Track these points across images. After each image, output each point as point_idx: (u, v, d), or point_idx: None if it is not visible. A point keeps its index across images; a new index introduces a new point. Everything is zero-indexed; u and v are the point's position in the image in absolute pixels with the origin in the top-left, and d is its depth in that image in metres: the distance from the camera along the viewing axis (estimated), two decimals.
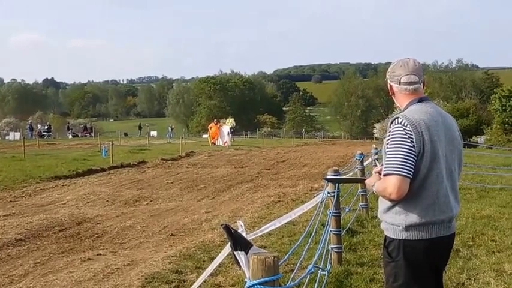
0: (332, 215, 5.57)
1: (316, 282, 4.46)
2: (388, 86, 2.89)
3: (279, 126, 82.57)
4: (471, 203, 9.43)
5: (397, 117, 2.67)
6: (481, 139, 48.32)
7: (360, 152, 9.08)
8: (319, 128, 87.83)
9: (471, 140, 45.22)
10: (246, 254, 2.24)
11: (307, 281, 4.37)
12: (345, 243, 6.28)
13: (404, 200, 2.62)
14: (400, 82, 2.79)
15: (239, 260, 2.29)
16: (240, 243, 2.28)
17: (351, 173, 9.10)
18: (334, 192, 5.51)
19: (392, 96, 2.93)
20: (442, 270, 2.90)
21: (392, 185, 2.56)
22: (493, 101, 51.67)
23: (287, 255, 3.75)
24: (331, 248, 5.57)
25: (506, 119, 46.37)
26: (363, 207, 8.25)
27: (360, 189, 8.43)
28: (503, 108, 47.77)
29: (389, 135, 2.66)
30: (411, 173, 2.56)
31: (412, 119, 2.63)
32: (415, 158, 2.58)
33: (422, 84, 2.82)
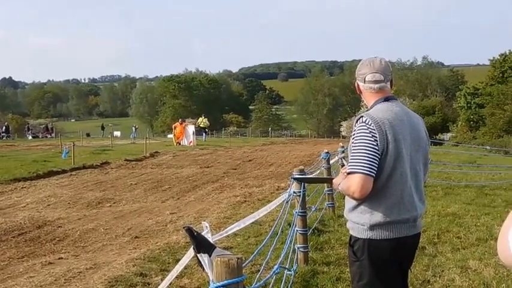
0: (298, 215, 5.55)
1: (282, 282, 4.42)
2: (356, 84, 2.89)
3: (245, 125, 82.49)
4: (437, 200, 9.60)
5: (362, 116, 2.68)
6: (446, 136, 49.55)
7: (326, 151, 9.11)
8: (286, 126, 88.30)
9: (437, 137, 46.35)
10: (210, 256, 2.19)
11: (273, 281, 4.31)
12: (311, 243, 6.27)
13: (369, 199, 2.63)
14: (365, 81, 2.80)
15: (202, 263, 2.24)
16: (203, 246, 2.23)
17: (317, 172, 9.11)
18: (300, 192, 5.48)
19: (361, 95, 2.92)
20: (407, 270, 2.91)
21: (355, 184, 2.57)
22: (458, 99, 53.21)
23: (252, 256, 3.69)
24: (298, 248, 5.55)
25: (471, 116, 47.77)
26: (329, 206, 8.27)
27: (326, 188, 8.45)
28: (468, 105, 49.23)
29: (353, 134, 2.68)
30: (374, 172, 2.57)
31: (376, 118, 2.63)
32: (379, 157, 2.59)
33: (389, 83, 2.82)
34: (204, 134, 35.90)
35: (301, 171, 5.74)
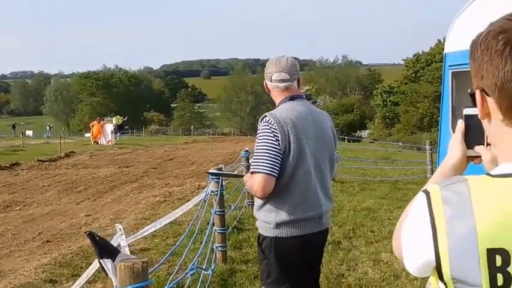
0: (216, 214, 5.50)
1: (199, 282, 4.35)
2: (264, 83, 2.90)
3: (167, 123, 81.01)
4: (353, 195, 9.92)
5: (265, 116, 2.70)
6: (364, 133, 51.48)
7: (247, 149, 9.12)
8: (209, 124, 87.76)
9: (355, 134, 48.09)
10: (113, 261, 2.07)
11: (188, 282, 4.23)
12: (230, 241, 6.25)
13: (274, 198, 2.67)
14: (272, 79, 2.81)
15: (106, 268, 2.13)
16: (105, 251, 2.12)
17: (238, 170, 9.10)
18: (217, 191, 5.43)
19: (270, 94, 2.92)
20: (317, 266, 2.94)
21: (258, 183, 2.60)
22: (375, 97, 55.57)
23: (164, 257, 3.59)
24: (216, 247, 5.50)
25: (387, 114, 50.06)
26: (249, 204, 8.28)
27: (245, 187, 8.43)
28: (384, 103, 51.54)
29: (257, 134, 2.69)
30: (276, 172, 2.60)
31: (279, 117, 2.66)
32: (281, 157, 2.62)
33: (295, 82, 2.84)
34: (119, 131, 34.82)
35: (219, 170, 5.69)
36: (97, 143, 28.93)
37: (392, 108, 49.71)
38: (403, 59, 57.92)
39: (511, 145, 1.02)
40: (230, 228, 6.71)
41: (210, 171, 5.26)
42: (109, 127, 30.27)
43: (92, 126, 30.70)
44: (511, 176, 0.98)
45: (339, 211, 8.24)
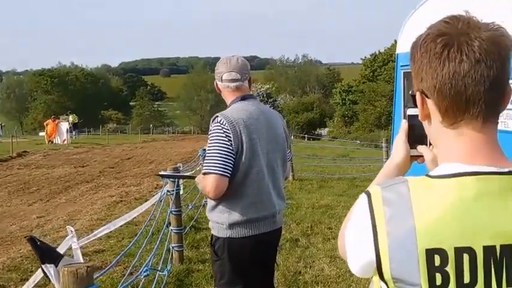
0: (172, 213, 5.43)
1: (154, 283, 4.27)
2: (215, 83, 2.87)
3: (125, 122, 79.65)
4: (312, 193, 10.00)
5: (217, 116, 2.67)
6: (324, 131, 52.16)
7: (205, 147, 9.02)
8: (169, 123, 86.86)
9: (315, 132, 48.67)
10: (56, 266, 1.99)
11: (141, 283, 4.14)
12: (187, 241, 6.19)
13: (227, 199, 2.64)
14: (222, 79, 2.79)
15: (48, 274, 2.04)
16: (47, 256, 2.03)
17: (196, 170, 9.01)
18: (173, 191, 5.36)
19: (221, 94, 2.89)
20: (272, 265, 2.93)
21: (210, 184, 2.57)
22: (334, 95, 56.50)
23: (116, 258, 3.49)
24: (172, 247, 5.44)
25: (346, 112, 50.98)
26: (207, 203, 8.20)
27: None
28: (343, 102, 52.48)
29: (209, 134, 2.66)
30: (229, 172, 2.58)
31: (231, 117, 2.64)
32: (234, 157, 2.60)
33: (246, 82, 2.81)
34: (74, 130, 33.95)
35: (175, 169, 5.62)
36: (52, 142, 28.11)
37: (351, 107, 50.65)
38: (361, 59, 59.03)
39: (449, 146, 1.04)
40: (188, 227, 6.64)
41: (160, 173, 5.18)
42: (64, 126, 29.41)
43: (47, 125, 29.75)
44: (449, 177, 1.00)
45: (297, 209, 8.29)
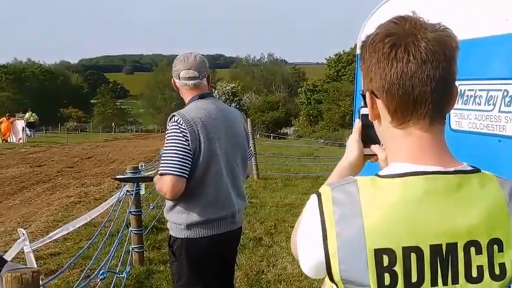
0: (131, 214, 5.32)
1: (112, 286, 4.15)
2: (172, 81, 2.79)
3: (86, 120, 78.04)
4: (276, 192, 10.00)
5: (174, 115, 2.61)
6: (290, 130, 52.56)
7: None
8: (132, 121, 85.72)
9: (281, 131, 48.98)
10: None
11: (98, 286, 4.02)
12: (149, 242, 6.08)
13: (185, 199, 2.59)
14: (180, 77, 2.72)
15: None
16: None
17: (159, 169, 8.85)
18: (133, 191, 5.25)
19: (179, 92, 2.82)
20: (231, 266, 2.89)
21: (167, 185, 2.51)
22: (299, 95, 57.08)
23: (71, 261, 3.38)
24: (132, 249, 5.32)
25: (311, 111, 51.56)
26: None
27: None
28: (309, 101, 53.10)
29: (166, 134, 2.60)
30: (186, 173, 2.53)
31: (188, 117, 2.58)
32: (191, 157, 2.55)
33: (205, 79, 2.75)
34: (32, 129, 32.90)
35: (135, 169, 5.50)
36: (6, 141, 27.21)
37: (316, 106, 51.28)
38: (326, 58, 59.71)
39: (397, 146, 1.04)
40: (149, 228, 6.52)
41: (117, 177, 5.05)
42: (20, 124, 28.48)
43: (1, 123, 28.72)
44: (396, 177, 0.99)
45: (261, 207, 8.28)
